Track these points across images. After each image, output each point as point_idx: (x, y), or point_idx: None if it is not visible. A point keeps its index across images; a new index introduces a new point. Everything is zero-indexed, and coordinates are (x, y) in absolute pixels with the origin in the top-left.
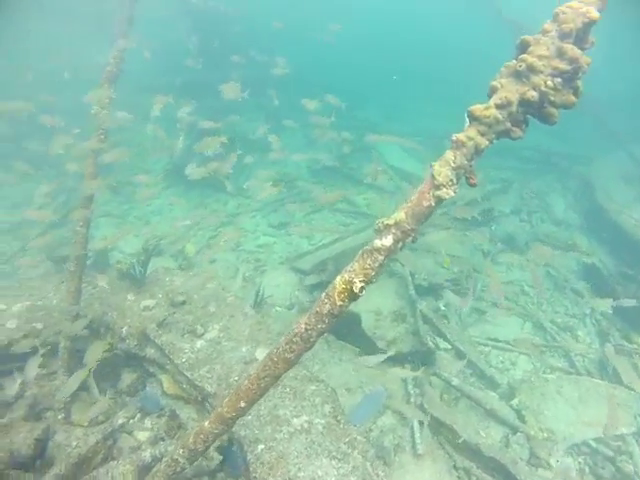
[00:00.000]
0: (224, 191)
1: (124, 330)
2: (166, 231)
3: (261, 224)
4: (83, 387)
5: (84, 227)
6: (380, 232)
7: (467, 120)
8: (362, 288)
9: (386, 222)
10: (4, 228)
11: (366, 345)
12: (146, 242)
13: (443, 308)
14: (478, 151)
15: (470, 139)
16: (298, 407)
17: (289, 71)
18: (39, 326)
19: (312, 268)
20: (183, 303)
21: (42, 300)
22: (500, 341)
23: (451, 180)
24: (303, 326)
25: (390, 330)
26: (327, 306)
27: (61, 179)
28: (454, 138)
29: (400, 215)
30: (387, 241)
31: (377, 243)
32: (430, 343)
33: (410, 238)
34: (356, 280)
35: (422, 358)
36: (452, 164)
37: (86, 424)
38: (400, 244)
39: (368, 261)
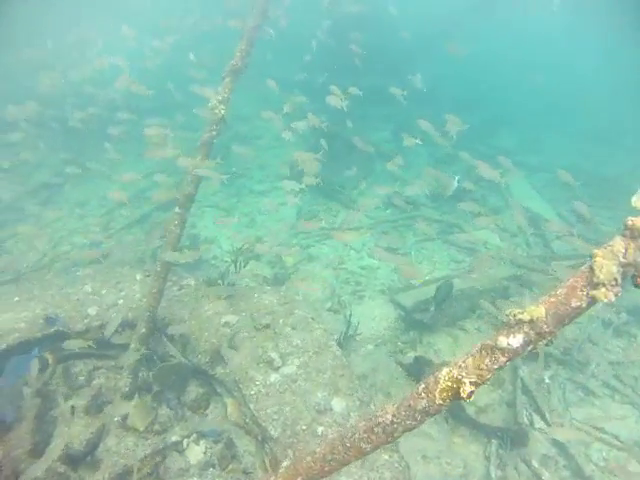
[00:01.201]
0: (338, 200)
1: (199, 344)
2: (269, 232)
3: (368, 244)
4: (146, 389)
5: (178, 227)
6: (509, 328)
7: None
8: (472, 393)
9: (519, 316)
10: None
11: (451, 408)
12: (238, 250)
13: (547, 381)
14: None
15: None
16: (363, 478)
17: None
18: (117, 319)
19: (414, 306)
20: (267, 327)
21: (126, 291)
22: (607, 433)
23: (615, 279)
24: (389, 417)
25: (483, 394)
26: (423, 402)
27: None
28: (630, 223)
29: (539, 311)
30: (516, 341)
31: (502, 341)
32: (525, 419)
33: (545, 341)
34: (466, 380)
35: (513, 436)
36: (622, 258)
37: (142, 429)
38: (530, 347)
39: (486, 361)
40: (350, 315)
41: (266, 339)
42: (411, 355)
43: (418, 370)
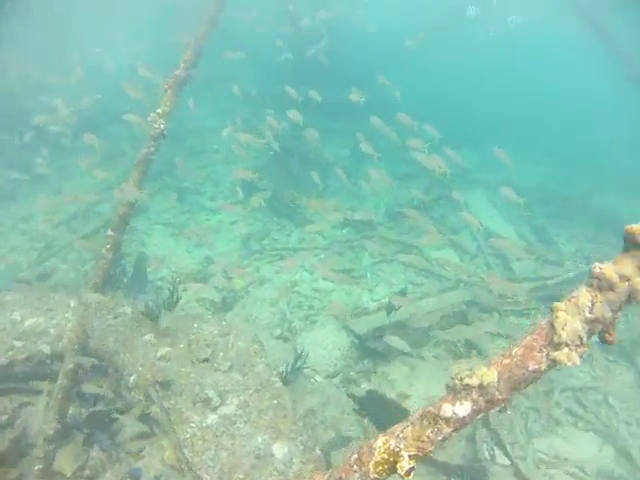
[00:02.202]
0: (291, 218)
1: (132, 379)
2: (221, 252)
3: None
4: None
5: (110, 251)
6: (455, 393)
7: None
8: (411, 470)
9: (467, 381)
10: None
11: None
12: (173, 280)
13: (509, 411)
14: (634, 298)
15: (625, 279)
16: None
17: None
18: (46, 350)
19: (367, 334)
20: (205, 361)
21: (57, 319)
22: (572, 463)
23: (580, 338)
24: None
25: None
26: (356, 476)
27: None
28: (597, 270)
29: (490, 375)
30: (463, 410)
31: (447, 409)
32: (486, 453)
33: (497, 409)
34: (404, 454)
35: (473, 475)
36: (588, 314)
37: (69, 475)
38: (480, 416)
39: (428, 431)
40: (300, 348)
41: (204, 375)
42: (364, 387)
43: (370, 405)
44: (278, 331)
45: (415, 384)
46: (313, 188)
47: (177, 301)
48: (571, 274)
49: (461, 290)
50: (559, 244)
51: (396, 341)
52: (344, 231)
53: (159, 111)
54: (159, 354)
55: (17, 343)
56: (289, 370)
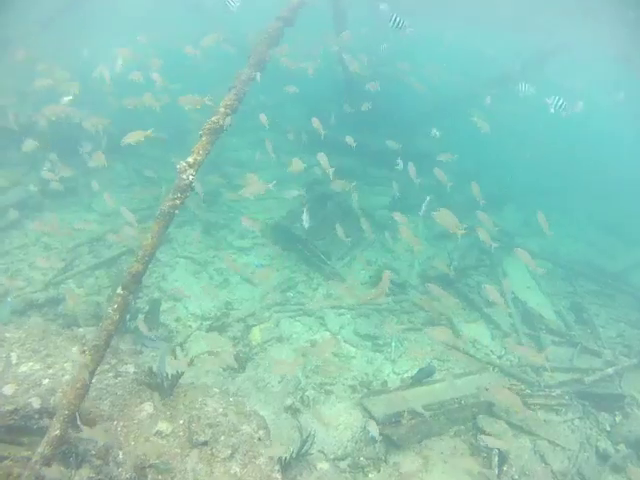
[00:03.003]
0: (320, 270)
1: (121, 454)
2: (242, 298)
3: (346, 327)
4: None
5: (117, 312)
6: None
7: None
8: None
9: None
10: None
11: None
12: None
13: None
14: None
15: None
16: None
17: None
18: (36, 404)
19: (385, 418)
20: (204, 444)
21: (54, 368)
22: None
23: None
24: None
25: None
26: None
27: None
28: None
29: None
30: None
31: None
32: None
33: None
34: None
35: None
36: None
37: None
38: None
39: None
40: (309, 426)
41: (200, 460)
42: (372, 477)
43: None
44: (289, 401)
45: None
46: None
47: (180, 376)
48: (611, 370)
49: (489, 374)
50: (598, 327)
51: None
52: (373, 290)
53: (190, 160)
54: (156, 429)
55: (6, 390)
56: (293, 456)
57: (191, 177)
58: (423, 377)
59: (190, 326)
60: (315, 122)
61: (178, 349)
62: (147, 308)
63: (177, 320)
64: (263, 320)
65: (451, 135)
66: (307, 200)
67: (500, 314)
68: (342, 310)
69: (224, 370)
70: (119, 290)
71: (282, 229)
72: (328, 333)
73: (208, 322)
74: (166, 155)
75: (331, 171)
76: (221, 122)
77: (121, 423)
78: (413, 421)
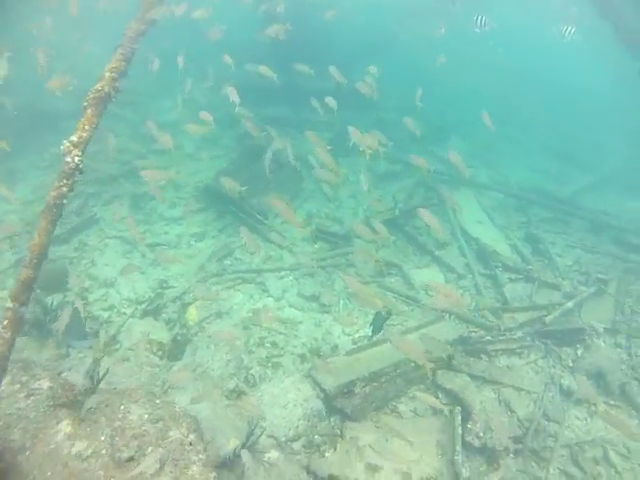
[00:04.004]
0: (257, 232)
1: None
2: (178, 273)
3: (290, 290)
4: None
5: (8, 330)
6: None
7: None
8: None
9: None
10: None
11: None
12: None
13: None
14: None
15: None
16: None
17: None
18: None
19: (336, 390)
20: (130, 460)
21: None
22: None
23: None
24: None
25: None
26: None
27: None
28: None
29: None
30: None
31: None
32: None
33: None
34: None
35: None
36: None
37: None
38: None
39: None
40: (256, 421)
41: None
42: (329, 456)
43: None
44: (232, 383)
45: (388, 450)
46: (286, 192)
47: (102, 378)
48: (570, 304)
49: (446, 323)
50: (555, 257)
51: None
52: (316, 246)
53: (74, 138)
54: (74, 450)
55: None
56: (237, 453)
57: (77, 158)
58: (382, 323)
59: (125, 313)
60: (226, 58)
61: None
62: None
63: (110, 308)
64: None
65: (389, 70)
66: (238, 155)
67: (453, 255)
68: (284, 272)
69: (160, 359)
70: (8, 303)
71: (212, 192)
72: (271, 299)
73: (143, 305)
74: None
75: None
76: (107, 89)
77: (35, 452)
78: (367, 388)
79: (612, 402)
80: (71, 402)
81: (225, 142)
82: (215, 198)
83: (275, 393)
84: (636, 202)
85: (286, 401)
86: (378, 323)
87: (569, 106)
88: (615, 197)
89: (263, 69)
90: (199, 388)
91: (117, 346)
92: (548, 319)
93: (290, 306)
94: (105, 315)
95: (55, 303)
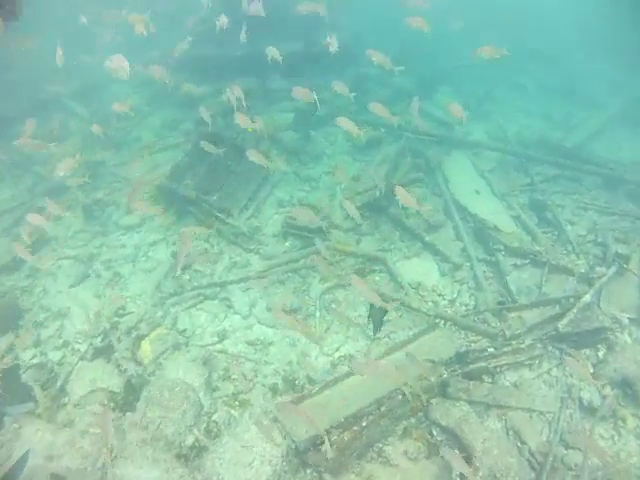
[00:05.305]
0: (220, 234)
1: None
2: (136, 293)
3: (259, 303)
4: None
5: None
6: None
7: None
8: None
9: None
10: None
11: None
12: None
13: None
14: None
15: None
16: None
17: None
18: None
19: (308, 441)
20: None
21: None
22: None
23: None
24: None
25: None
26: None
27: None
28: None
29: None
30: None
31: None
32: None
33: None
34: None
35: None
36: None
37: None
38: None
39: None
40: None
41: None
42: None
43: None
44: (190, 439)
45: None
46: (251, 182)
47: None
48: (588, 297)
49: (441, 332)
50: (566, 226)
51: None
52: (287, 243)
53: None
54: None
55: None
56: None
57: None
58: (382, 317)
59: (79, 350)
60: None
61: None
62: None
63: (64, 346)
64: (155, 324)
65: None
66: (193, 145)
67: (447, 239)
68: (252, 281)
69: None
70: None
71: (168, 191)
72: (238, 317)
73: (98, 339)
74: None
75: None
76: None
77: None
78: (345, 436)
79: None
80: None
81: (187, 126)
82: (172, 197)
83: (238, 449)
84: None
85: (252, 458)
86: (377, 318)
87: (560, 31)
88: (629, 139)
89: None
90: (148, 454)
91: (65, 399)
92: (562, 324)
93: (260, 323)
94: (57, 357)
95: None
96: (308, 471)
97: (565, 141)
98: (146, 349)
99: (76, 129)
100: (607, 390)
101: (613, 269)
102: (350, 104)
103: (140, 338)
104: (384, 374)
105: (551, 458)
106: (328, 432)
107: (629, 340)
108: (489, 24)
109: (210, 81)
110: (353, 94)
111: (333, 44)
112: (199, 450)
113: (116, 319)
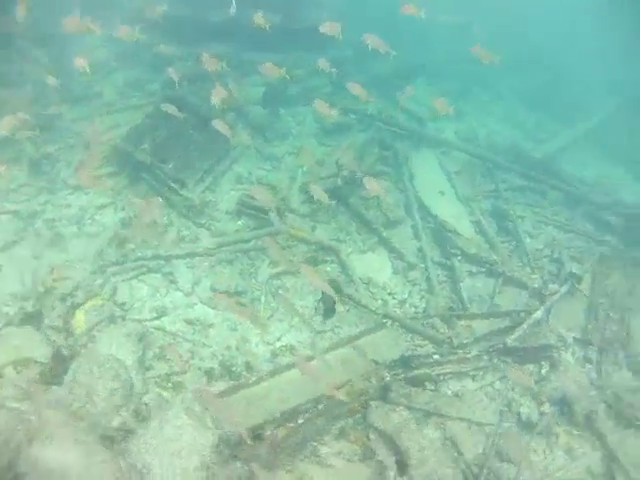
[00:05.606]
0: (171, 205)
1: None
2: (77, 257)
3: (203, 281)
4: None
5: None
6: None
7: None
8: None
9: None
10: None
11: None
12: None
13: None
14: None
15: None
16: None
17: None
18: None
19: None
20: None
21: None
22: None
23: None
24: None
25: None
26: None
27: None
28: None
29: None
30: None
31: None
32: None
33: None
34: None
35: None
36: None
37: None
38: None
39: None
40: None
41: None
42: None
43: None
44: (117, 421)
45: None
46: (211, 154)
47: None
48: (539, 314)
49: (387, 332)
50: (524, 238)
51: None
52: (240, 222)
53: None
54: None
55: None
56: None
57: None
58: (333, 305)
59: (7, 314)
60: None
61: None
62: None
63: None
64: (93, 293)
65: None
66: (155, 108)
67: (404, 236)
68: (198, 258)
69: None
70: None
71: (122, 154)
72: (180, 293)
73: (29, 303)
74: None
75: None
76: None
77: None
78: (279, 432)
79: (575, 432)
80: None
81: (154, 87)
82: (126, 161)
83: (167, 435)
84: (616, 168)
85: (181, 446)
86: (328, 305)
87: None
88: (597, 157)
89: None
90: (69, 435)
91: None
92: (511, 339)
93: (202, 302)
94: None
95: None
96: (239, 464)
97: (536, 151)
98: (80, 319)
99: (32, 76)
100: (545, 407)
101: (565, 287)
102: (325, 85)
103: (75, 307)
104: (317, 379)
105: (486, 471)
106: (261, 426)
107: (571, 360)
108: (490, 24)
109: (185, 44)
110: (334, 69)
111: (334, 28)
112: (125, 433)
113: (52, 283)
